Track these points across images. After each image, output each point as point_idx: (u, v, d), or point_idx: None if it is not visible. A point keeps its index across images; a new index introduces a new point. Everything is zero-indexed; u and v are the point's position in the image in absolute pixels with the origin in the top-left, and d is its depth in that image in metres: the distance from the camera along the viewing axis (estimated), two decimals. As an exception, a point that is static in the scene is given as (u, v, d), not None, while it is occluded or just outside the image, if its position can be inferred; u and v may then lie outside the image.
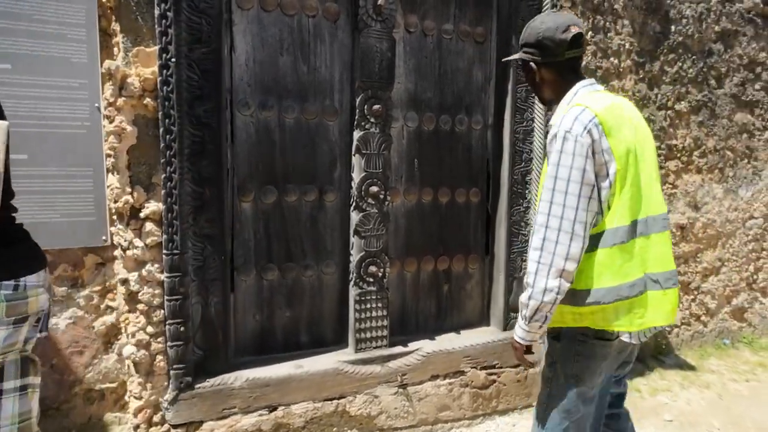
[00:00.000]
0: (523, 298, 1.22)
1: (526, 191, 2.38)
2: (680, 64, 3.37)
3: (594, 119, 1.18)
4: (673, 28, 3.33)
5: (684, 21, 3.37)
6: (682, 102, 3.41)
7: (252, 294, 2.08)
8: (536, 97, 1.48)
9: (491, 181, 2.46)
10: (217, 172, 1.87)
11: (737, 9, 3.59)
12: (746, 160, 3.71)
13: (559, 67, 1.30)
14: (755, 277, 3.77)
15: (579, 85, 1.30)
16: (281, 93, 2.05)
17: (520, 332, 1.28)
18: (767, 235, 3.80)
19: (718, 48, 3.55)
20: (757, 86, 3.72)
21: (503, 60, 1.87)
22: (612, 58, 3.08)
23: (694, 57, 3.42)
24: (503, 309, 2.41)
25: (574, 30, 1.26)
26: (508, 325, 2.42)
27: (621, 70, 3.16)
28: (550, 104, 1.42)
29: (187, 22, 1.75)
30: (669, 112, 3.37)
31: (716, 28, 3.50)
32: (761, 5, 3.66)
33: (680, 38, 3.35)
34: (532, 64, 1.33)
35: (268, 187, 2.06)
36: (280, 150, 2.07)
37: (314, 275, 2.17)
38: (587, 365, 1.27)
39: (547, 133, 2.28)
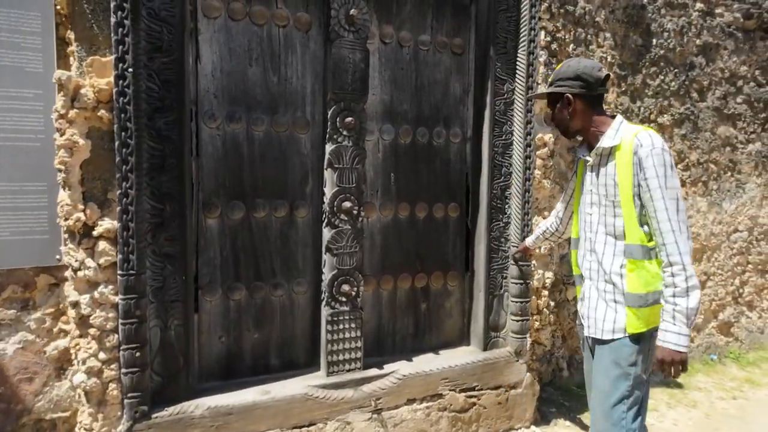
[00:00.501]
0: (690, 303, 1.34)
1: (506, 206, 2.31)
2: (662, 77, 3.36)
3: None
4: (654, 41, 3.32)
5: (665, 34, 3.36)
6: (665, 115, 3.39)
7: (218, 315, 1.97)
8: (561, 128, 1.60)
9: (471, 196, 2.39)
10: (178, 188, 1.77)
11: (718, 23, 3.60)
12: (729, 173, 3.69)
13: (592, 101, 1.52)
14: (741, 290, 3.74)
15: (620, 117, 1.52)
16: (250, 104, 1.97)
17: (684, 341, 1.35)
18: (752, 248, 3.78)
19: (699, 61, 3.55)
20: (738, 99, 3.72)
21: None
22: (593, 71, 3.05)
23: (676, 70, 3.41)
24: (483, 328, 2.32)
25: (605, 71, 1.51)
26: (488, 344, 2.33)
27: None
28: (574, 135, 1.59)
29: (146, 31, 1.67)
30: (652, 125, 3.34)
31: (698, 42, 3.51)
32: (741, 20, 3.69)
33: (662, 51, 3.34)
34: (569, 95, 1.51)
35: (236, 203, 1.96)
36: (248, 164, 1.98)
37: (285, 294, 2.07)
38: (651, 356, 1.48)
39: (528, 146, 2.23)
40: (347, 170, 2.02)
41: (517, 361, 2.31)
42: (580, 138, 1.62)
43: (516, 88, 2.26)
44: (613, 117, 1.54)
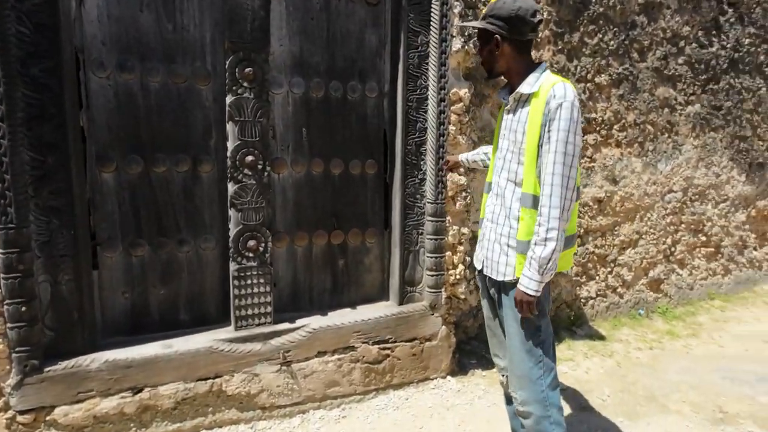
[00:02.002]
0: (544, 252, 1.39)
1: (421, 162, 2.30)
2: (601, 35, 3.33)
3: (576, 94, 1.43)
4: (594, -2, 3.27)
5: (606, -9, 3.31)
6: (603, 75, 3.39)
7: (119, 271, 1.95)
8: (486, 67, 1.58)
9: (389, 153, 2.37)
10: (62, 139, 1.71)
11: (661, -19, 3.56)
12: (667, 135, 3.75)
13: (520, 46, 1.49)
14: (673, 249, 3.87)
15: (544, 65, 1.51)
16: (144, 54, 1.88)
17: (534, 285, 1.42)
18: (686, 208, 3.89)
19: (641, 20, 3.52)
20: (680, 60, 3.73)
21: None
22: (526, 27, 3.00)
23: (615, 29, 3.38)
24: (399, 283, 2.36)
25: (539, 16, 1.45)
26: (404, 299, 2.38)
27: (539, 40, 3.10)
28: (496, 76, 1.58)
29: (11, -32, 1.56)
30: (589, 84, 3.34)
31: (639, 0, 3.47)
32: (686, -22, 3.65)
33: (601, 9, 3.30)
34: (498, 37, 1.47)
35: (133, 157, 1.91)
36: (145, 116, 1.92)
37: (192, 251, 2.06)
38: (547, 297, 1.58)
39: (442, 101, 2.20)
40: (249, 123, 1.97)
41: (432, 314, 2.37)
42: (504, 80, 1.62)
43: (431, 41, 2.21)
44: (539, 64, 1.53)
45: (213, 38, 1.98)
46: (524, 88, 1.48)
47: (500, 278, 1.55)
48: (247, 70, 1.92)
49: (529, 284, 1.42)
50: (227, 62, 1.91)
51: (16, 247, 1.62)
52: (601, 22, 3.32)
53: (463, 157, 2.11)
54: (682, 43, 3.72)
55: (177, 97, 1.95)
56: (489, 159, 1.95)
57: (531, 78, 1.48)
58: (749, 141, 4.18)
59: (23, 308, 1.65)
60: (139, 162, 1.92)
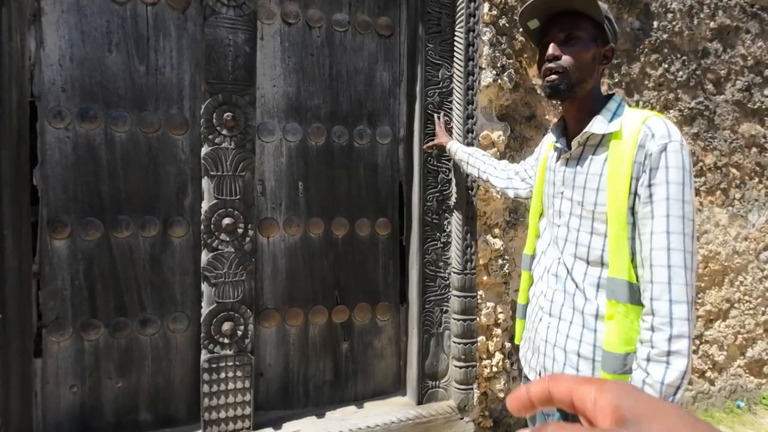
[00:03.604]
0: (669, 375, 0.88)
1: (444, 222, 1.84)
2: (666, 65, 2.82)
3: None
4: (655, 24, 2.79)
5: (669, 16, 2.83)
6: (671, 110, 2.84)
7: (68, 359, 1.59)
8: (571, 78, 1.04)
9: (406, 210, 1.94)
10: (-2, 202, 1.42)
11: (737, 2, 3.03)
12: (757, 179, 3.07)
13: (606, 63, 1.08)
14: (776, 321, 3.08)
15: (618, 97, 1.09)
16: (110, 100, 1.60)
17: None
18: (789, 269, 3.12)
19: (715, 47, 2.98)
20: (766, 91, 3.12)
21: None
22: (574, 58, 2.56)
23: (684, 58, 2.86)
24: (417, 375, 1.85)
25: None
26: (424, 396, 1.85)
27: (590, 73, 2.64)
28: (569, 96, 1.07)
29: (-52, 7, 1.34)
30: (654, 122, 2.80)
31: (711, 25, 2.95)
32: (767, -3, 3.10)
33: (665, 36, 2.81)
34: (609, 40, 1.07)
35: (91, 220, 1.59)
36: (108, 172, 1.61)
37: (158, 333, 1.68)
38: None
39: (470, 146, 1.77)
40: (228, 178, 1.62)
41: (461, 418, 1.82)
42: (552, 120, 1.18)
43: (454, 75, 1.81)
44: (611, 95, 1.08)
45: (193, 80, 1.68)
46: (598, 126, 1.02)
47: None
48: (226, 115, 1.59)
49: None
50: (203, 107, 1.59)
51: (-76, 338, 1.30)
52: (665, 50, 2.81)
53: (455, 146, 1.67)
54: (767, 72, 3.12)
55: (147, 149, 1.65)
56: (483, 170, 1.51)
57: (605, 112, 1.04)
58: None
59: (-72, 415, 1.31)
60: (98, 226, 1.60)
